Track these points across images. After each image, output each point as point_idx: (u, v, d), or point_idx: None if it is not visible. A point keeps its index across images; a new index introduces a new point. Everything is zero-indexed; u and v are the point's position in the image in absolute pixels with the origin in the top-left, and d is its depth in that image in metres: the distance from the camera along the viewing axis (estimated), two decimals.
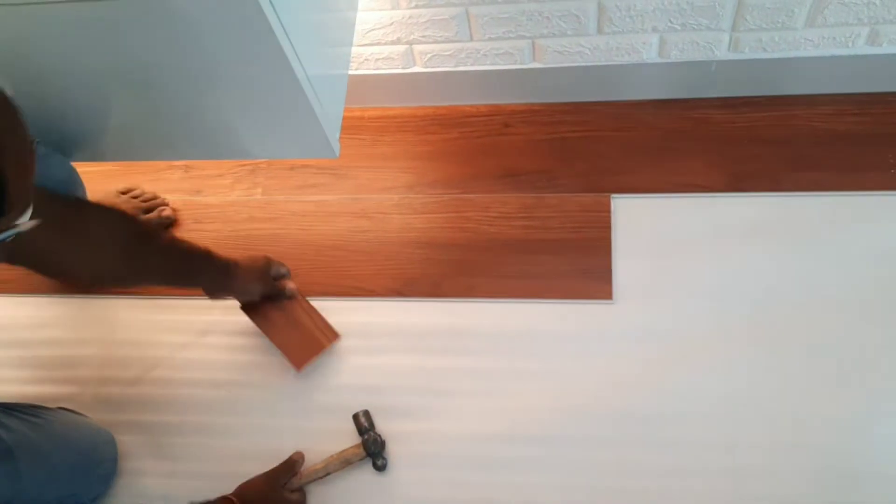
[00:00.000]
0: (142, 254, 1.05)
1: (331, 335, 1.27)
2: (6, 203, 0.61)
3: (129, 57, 0.86)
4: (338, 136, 1.03)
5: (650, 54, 1.30)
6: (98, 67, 0.89)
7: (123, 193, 1.43)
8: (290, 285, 1.28)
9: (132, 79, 0.90)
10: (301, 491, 1.17)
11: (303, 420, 1.24)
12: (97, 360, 1.34)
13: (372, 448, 1.18)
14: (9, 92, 0.64)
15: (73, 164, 1.21)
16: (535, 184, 1.37)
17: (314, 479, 1.17)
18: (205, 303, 1.23)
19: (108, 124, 1.01)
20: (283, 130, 0.98)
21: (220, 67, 0.87)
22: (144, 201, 1.43)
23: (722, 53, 1.28)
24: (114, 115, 0.99)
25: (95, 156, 1.14)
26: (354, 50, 1.32)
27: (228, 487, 1.13)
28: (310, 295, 1.32)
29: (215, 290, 1.19)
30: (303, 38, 0.86)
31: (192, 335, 1.30)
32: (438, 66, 1.38)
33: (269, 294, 1.26)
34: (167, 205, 1.44)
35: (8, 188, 0.61)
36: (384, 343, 1.28)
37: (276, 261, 1.27)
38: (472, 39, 1.30)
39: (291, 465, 1.18)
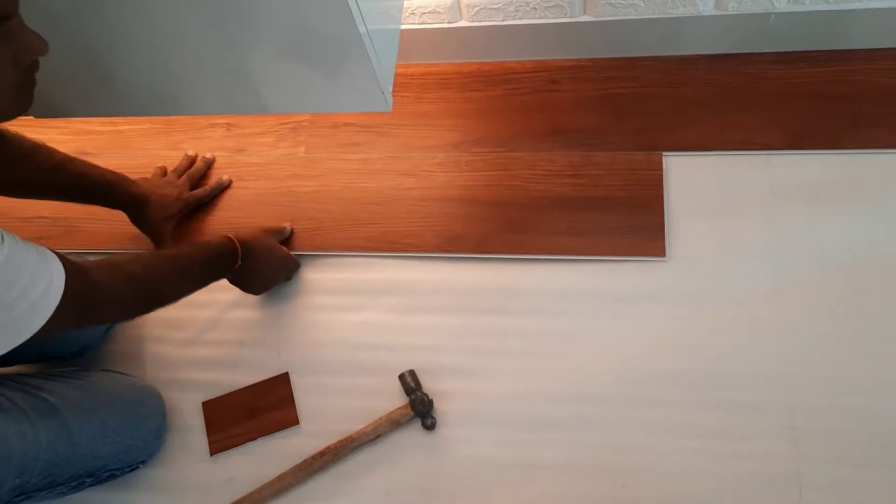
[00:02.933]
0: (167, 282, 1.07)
1: None
2: None
3: (192, 5, 0.85)
4: (391, 89, 1.01)
5: (706, 6, 1.25)
6: (153, 12, 0.87)
7: (164, 175, 1.41)
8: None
9: (191, 25, 0.89)
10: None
11: (348, 379, 1.24)
12: (151, 319, 1.34)
13: (420, 408, 1.18)
14: None
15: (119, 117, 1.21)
16: (584, 141, 1.34)
17: (365, 443, 1.17)
18: None
19: (162, 73, 0.99)
20: (339, 84, 0.96)
21: (280, 17, 0.86)
22: (190, 177, 1.40)
23: (782, 5, 1.23)
24: (168, 63, 0.97)
25: (142, 109, 1.13)
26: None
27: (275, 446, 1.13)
28: (352, 250, 1.31)
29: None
30: None
31: (242, 294, 1.29)
32: (485, 21, 1.34)
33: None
34: (211, 162, 1.43)
35: None
36: (429, 301, 1.27)
37: (273, 227, 1.30)
38: None
39: (282, 229, 1.32)
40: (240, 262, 1.16)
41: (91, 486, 1.15)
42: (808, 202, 1.22)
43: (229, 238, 1.16)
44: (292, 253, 1.32)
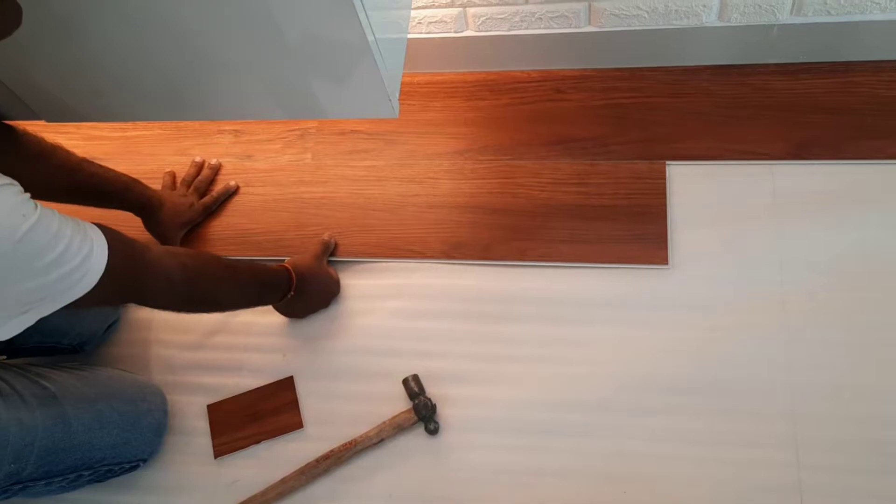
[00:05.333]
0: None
1: None
2: None
3: (205, 13, 0.86)
4: (398, 96, 1.02)
5: (710, 17, 1.27)
6: (167, 18, 0.89)
7: (172, 187, 1.43)
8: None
9: (201, 33, 0.90)
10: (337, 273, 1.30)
11: (353, 383, 1.24)
12: (157, 322, 1.36)
13: (423, 412, 1.18)
14: None
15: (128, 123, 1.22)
16: (588, 150, 1.35)
17: (368, 446, 1.18)
18: None
19: (172, 79, 1.01)
20: (347, 91, 0.98)
21: (291, 25, 0.87)
22: (197, 188, 1.42)
23: (784, 17, 1.25)
24: (178, 69, 0.99)
25: (152, 114, 1.15)
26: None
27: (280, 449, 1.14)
28: (358, 256, 1.33)
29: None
30: (373, 2, 0.87)
31: None
32: (491, 30, 1.36)
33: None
34: (217, 168, 1.45)
35: None
36: (434, 307, 1.28)
37: (320, 249, 1.30)
38: (527, 2, 1.28)
39: (327, 244, 1.31)
40: (292, 293, 1.19)
41: (90, 481, 1.16)
42: (810, 211, 1.23)
43: (287, 268, 1.19)
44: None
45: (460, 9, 1.31)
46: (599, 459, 1.13)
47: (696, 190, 1.28)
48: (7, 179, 0.77)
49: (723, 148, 1.30)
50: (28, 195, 0.78)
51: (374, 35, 0.89)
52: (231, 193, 1.43)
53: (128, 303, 1.16)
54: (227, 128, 1.51)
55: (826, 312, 1.16)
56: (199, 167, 1.45)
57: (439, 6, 1.30)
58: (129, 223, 1.33)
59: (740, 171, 1.28)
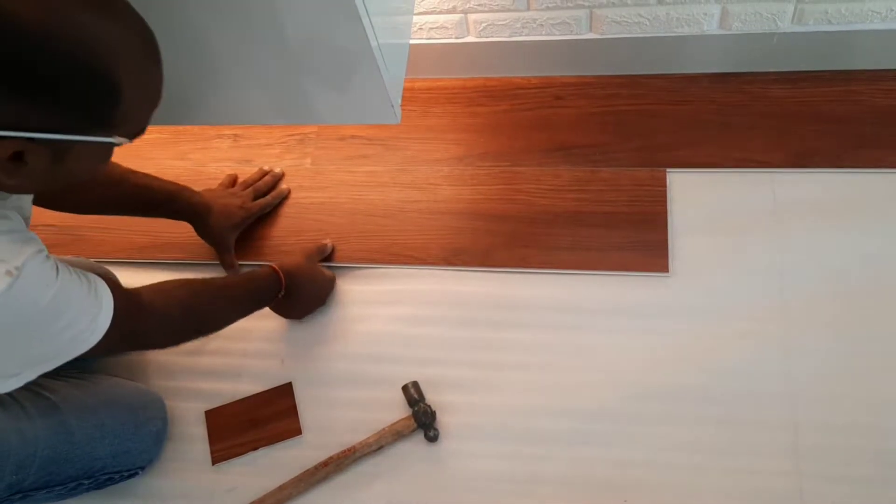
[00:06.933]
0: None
1: None
2: (118, 113, 0.68)
3: (206, 17, 0.86)
4: (400, 101, 1.02)
5: (711, 25, 1.27)
6: (167, 22, 0.88)
7: (231, 186, 1.41)
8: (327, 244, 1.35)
9: (202, 38, 0.90)
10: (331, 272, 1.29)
11: (352, 389, 1.24)
12: None
13: (422, 419, 1.18)
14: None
15: None
16: (589, 157, 1.35)
17: (367, 454, 1.17)
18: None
19: (172, 83, 1.00)
20: (350, 96, 0.98)
21: (293, 30, 0.87)
22: (256, 189, 1.40)
23: (785, 25, 1.25)
24: (179, 73, 0.98)
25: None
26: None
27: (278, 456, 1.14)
28: (357, 262, 1.32)
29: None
30: (376, 6, 0.87)
31: None
32: (492, 37, 1.36)
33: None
34: (280, 177, 1.44)
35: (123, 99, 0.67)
36: (433, 313, 1.27)
37: (314, 250, 1.30)
38: (529, 9, 1.28)
39: (324, 247, 1.32)
40: (283, 292, 1.19)
41: (88, 489, 1.15)
42: (811, 220, 1.23)
43: (273, 269, 1.18)
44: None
45: (461, 15, 1.31)
46: (599, 468, 1.13)
47: (696, 198, 1.28)
48: (34, 243, 0.76)
49: (723, 156, 1.30)
50: (51, 259, 0.78)
51: (377, 40, 0.89)
52: (284, 197, 1.42)
53: (133, 349, 1.20)
54: (226, 132, 1.51)
55: (827, 321, 1.16)
56: (263, 174, 1.43)
57: (441, 12, 1.30)
58: (125, 227, 1.33)
59: (741, 179, 1.28)
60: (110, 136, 0.70)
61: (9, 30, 0.59)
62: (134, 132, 0.73)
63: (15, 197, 0.81)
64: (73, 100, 0.65)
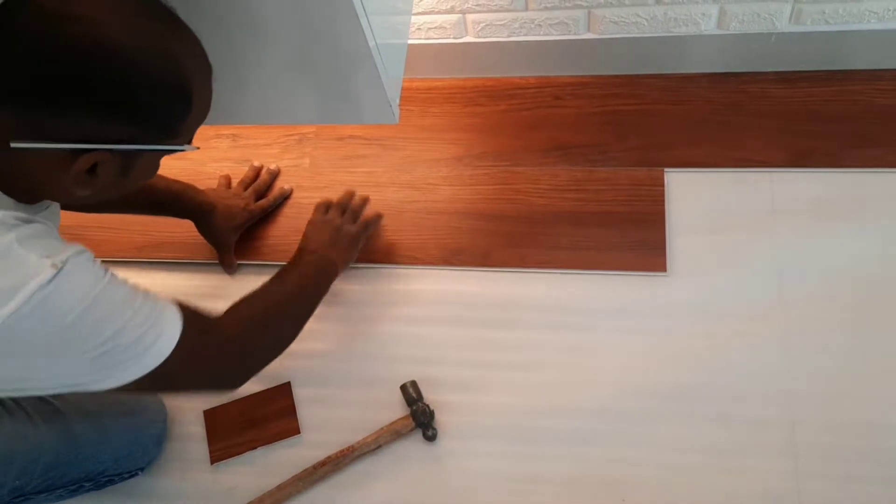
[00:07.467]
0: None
1: None
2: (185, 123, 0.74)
3: (204, 17, 0.86)
4: (398, 101, 1.02)
5: (709, 25, 1.27)
6: None
7: (227, 187, 1.41)
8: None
9: (201, 35, 0.90)
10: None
11: (350, 389, 1.24)
12: None
13: (421, 419, 1.18)
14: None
15: None
16: (587, 157, 1.35)
17: (366, 453, 1.18)
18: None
19: None
20: (348, 96, 0.98)
21: (291, 30, 0.87)
22: (256, 189, 1.40)
23: (783, 25, 1.25)
24: None
25: None
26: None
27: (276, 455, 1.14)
28: (356, 262, 1.32)
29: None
30: (375, 6, 0.87)
31: None
32: (490, 37, 1.36)
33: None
34: (276, 173, 1.44)
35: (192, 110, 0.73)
36: (432, 313, 1.27)
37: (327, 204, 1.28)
38: (527, 9, 1.28)
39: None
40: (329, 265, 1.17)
41: (89, 490, 1.15)
42: (809, 219, 1.23)
43: (302, 251, 1.17)
44: None
45: (460, 15, 1.31)
46: (598, 467, 1.13)
47: (694, 197, 1.28)
48: (79, 245, 0.76)
49: (722, 155, 1.30)
50: (99, 262, 0.77)
51: (375, 40, 0.89)
52: (285, 197, 1.42)
53: (209, 389, 1.11)
54: (225, 132, 1.51)
55: (825, 320, 1.16)
56: (257, 171, 1.43)
57: (439, 12, 1.30)
58: (124, 226, 1.33)
59: (739, 179, 1.28)
60: (176, 144, 0.75)
61: (102, 52, 0.65)
62: (189, 139, 0.78)
63: (55, 205, 0.82)
64: (154, 112, 0.71)
